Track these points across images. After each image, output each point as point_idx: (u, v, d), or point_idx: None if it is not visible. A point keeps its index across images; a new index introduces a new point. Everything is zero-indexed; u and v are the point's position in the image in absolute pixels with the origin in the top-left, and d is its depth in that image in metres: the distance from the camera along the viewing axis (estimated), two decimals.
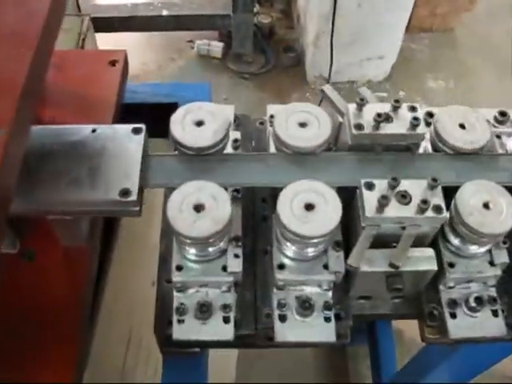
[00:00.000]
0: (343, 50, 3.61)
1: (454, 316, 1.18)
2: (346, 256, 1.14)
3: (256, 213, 1.31)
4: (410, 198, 1.10)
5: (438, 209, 1.09)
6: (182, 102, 1.77)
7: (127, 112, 1.68)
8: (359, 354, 2.50)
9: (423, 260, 1.14)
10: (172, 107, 1.71)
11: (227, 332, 1.15)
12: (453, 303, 1.19)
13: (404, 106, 1.22)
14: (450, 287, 1.20)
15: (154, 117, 1.73)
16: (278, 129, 1.20)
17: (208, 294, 1.18)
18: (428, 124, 1.39)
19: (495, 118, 1.43)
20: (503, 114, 1.42)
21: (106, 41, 3.76)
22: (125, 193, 1.11)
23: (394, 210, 1.09)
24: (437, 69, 4.15)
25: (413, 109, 1.21)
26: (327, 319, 1.16)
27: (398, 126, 1.19)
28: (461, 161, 1.22)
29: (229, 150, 1.29)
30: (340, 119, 1.28)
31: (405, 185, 1.12)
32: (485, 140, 1.23)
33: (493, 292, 1.20)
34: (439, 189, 1.11)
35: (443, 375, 1.82)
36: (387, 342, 2.34)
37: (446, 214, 1.10)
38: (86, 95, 1.53)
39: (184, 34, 4.23)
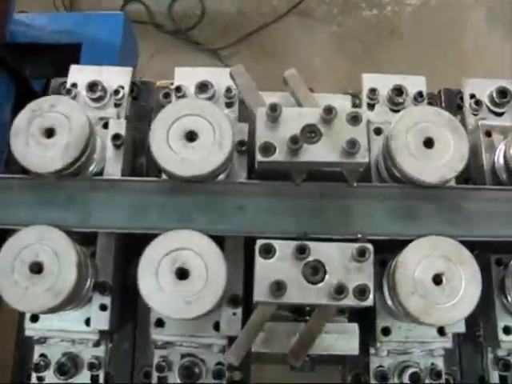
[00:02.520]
0: None
1: None
2: (247, 314, 0.86)
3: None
4: (324, 274, 0.77)
5: (361, 293, 0.76)
6: (87, 42, 1.36)
7: (18, 52, 1.29)
8: None
9: (342, 340, 0.85)
10: (74, 48, 1.32)
11: None
12: (382, 377, 0.92)
13: (342, 114, 0.81)
14: (382, 356, 0.92)
15: (52, 57, 1.34)
16: (154, 147, 0.83)
17: (75, 345, 0.95)
18: (396, 105, 1.02)
19: (491, 99, 1.01)
20: (503, 92, 1.00)
21: None
22: None
23: (296, 291, 0.76)
24: None
25: (355, 119, 0.81)
26: None
27: (327, 150, 0.81)
28: (418, 200, 0.85)
29: (108, 149, 0.95)
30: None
31: (319, 250, 0.78)
32: (460, 165, 0.85)
33: (439, 362, 0.92)
34: (369, 261, 0.77)
35: None
36: None
37: (371, 299, 0.77)
38: None
39: None
